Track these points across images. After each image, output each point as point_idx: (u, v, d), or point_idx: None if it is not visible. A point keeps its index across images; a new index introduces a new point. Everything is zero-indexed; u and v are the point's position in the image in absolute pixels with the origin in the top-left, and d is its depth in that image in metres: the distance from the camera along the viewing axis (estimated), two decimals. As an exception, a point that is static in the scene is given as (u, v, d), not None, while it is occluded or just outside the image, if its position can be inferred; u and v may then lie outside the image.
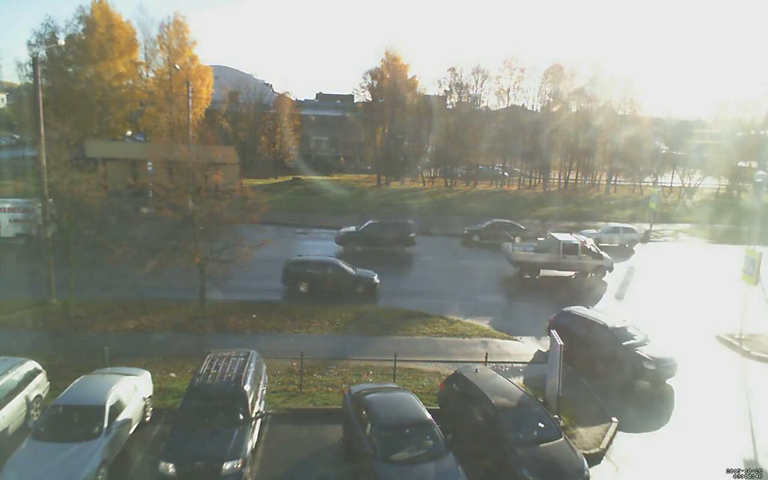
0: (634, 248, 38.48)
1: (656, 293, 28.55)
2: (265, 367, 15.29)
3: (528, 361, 19.26)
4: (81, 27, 48.98)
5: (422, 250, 34.44)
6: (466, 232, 38.50)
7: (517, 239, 35.46)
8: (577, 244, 28.74)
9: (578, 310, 20.29)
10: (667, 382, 17.87)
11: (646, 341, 18.14)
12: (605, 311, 21.71)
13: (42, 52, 45.94)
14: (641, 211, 51.29)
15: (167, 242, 20.47)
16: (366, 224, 34.35)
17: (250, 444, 12.07)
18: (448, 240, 38.62)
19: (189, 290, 22.44)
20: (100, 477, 11.25)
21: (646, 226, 44.80)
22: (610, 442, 14.57)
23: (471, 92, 66.89)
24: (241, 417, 12.31)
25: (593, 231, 39.23)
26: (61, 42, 47.38)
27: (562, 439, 12.66)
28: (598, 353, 18.30)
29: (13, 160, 56.11)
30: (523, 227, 38.66)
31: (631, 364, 17.52)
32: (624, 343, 17.91)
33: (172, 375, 16.69)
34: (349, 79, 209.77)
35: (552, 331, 16.56)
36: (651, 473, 13.59)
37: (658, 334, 19.42)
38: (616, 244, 38.22)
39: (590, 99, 65.13)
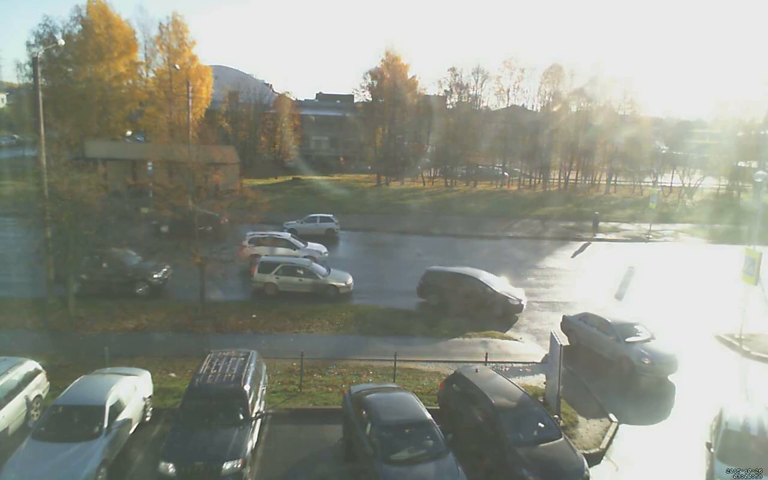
0: (338, 236, 37.34)
1: (656, 293, 28.52)
2: (265, 367, 15.28)
3: (528, 361, 19.25)
4: (78, 28, 49.08)
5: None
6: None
7: None
8: None
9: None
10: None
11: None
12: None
13: (41, 53, 45.90)
14: (641, 211, 51.24)
15: (167, 242, 20.43)
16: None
17: (250, 444, 12.07)
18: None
19: (189, 290, 22.46)
20: (100, 477, 11.25)
21: (647, 226, 44.83)
22: (610, 442, 14.57)
23: (471, 92, 67.12)
24: (241, 417, 12.32)
25: (294, 221, 37.69)
26: (61, 42, 47.35)
27: (562, 439, 12.65)
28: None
29: (13, 160, 56.18)
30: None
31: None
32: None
33: (172, 375, 16.69)
34: (349, 79, 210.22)
35: (552, 331, 16.52)
36: (651, 473, 13.58)
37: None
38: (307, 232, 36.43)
39: (590, 99, 65.20)
